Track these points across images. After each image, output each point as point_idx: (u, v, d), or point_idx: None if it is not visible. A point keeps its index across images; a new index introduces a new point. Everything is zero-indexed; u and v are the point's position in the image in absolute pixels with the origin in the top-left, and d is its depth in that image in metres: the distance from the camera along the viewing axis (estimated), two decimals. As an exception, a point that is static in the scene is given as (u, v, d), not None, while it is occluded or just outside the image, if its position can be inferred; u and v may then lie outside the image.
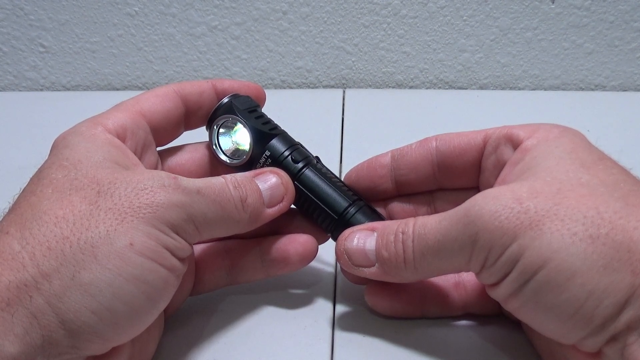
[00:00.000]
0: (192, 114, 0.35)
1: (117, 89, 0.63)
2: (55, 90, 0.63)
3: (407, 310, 0.33)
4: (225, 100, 0.34)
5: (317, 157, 0.35)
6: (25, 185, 0.29)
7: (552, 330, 0.27)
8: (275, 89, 0.62)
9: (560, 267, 0.25)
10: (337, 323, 0.34)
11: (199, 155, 0.35)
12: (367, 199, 0.35)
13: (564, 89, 0.61)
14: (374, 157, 0.35)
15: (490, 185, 0.31)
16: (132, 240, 0.26)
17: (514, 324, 0.33)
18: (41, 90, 0.63)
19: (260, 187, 0.31)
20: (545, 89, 0.61)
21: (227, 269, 0.34)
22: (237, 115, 0.34)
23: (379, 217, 0.34)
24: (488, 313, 0.33)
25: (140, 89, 0.63)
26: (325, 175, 0.34)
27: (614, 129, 0.53)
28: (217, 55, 0.61)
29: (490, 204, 0.26)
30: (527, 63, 0.60)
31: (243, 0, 0.58)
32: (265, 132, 0.34)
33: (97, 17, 0.60)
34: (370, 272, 0.31)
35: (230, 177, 0.30)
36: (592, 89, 0.61)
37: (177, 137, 0.35)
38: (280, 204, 0.32)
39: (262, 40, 0.60)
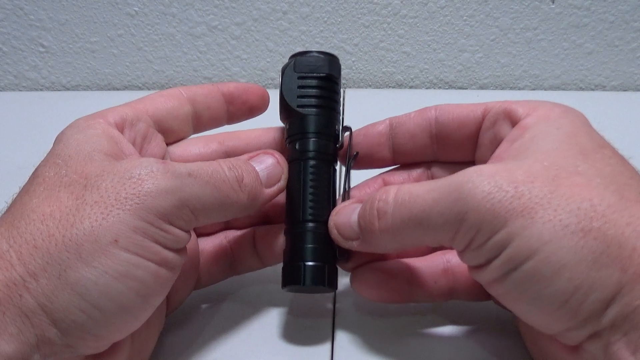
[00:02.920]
0: (201, 115, 0.34)
1: (117, 89, 0.63)
2: (55, 90, 0.63)
3: (394, 296, 0.33)
4: (293, 59, 0.33)
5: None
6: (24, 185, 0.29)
7: (534, 319, 0.26)
8: (276, 89, 0.62)
9: (549, 260, 0.24)
10: (337, 323, 0.34)
11: (209, 152, 0.35)
12: (364, 166, 0.34)
13: (564, 89, 0.61)
14: (370, 125, 0.35)
15: (486, 161, 0.30)
16: (117, 236, 0.25)
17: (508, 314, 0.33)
18: (41, 90, 0.63)
19: (256, 167, 0.31)
20: (545, 89, 0.61)
21: (229, 260, 0.35)
22: (281, 78, 0.32)
23: (330, 247, 0.31)
24: (476, 299, 0.33)
25: (140, 89, 0.63)
26: (312, 180, 0.31)
27: (614, 129, 0.53)
28: (217, 55, 0.61)
29: (485, 183, 0.26)
30: (527, 63, 0.60)
31: (243, 0, 0.58)
32: (290, 107, 0.32)
33: (97, 17, 0.59)
34: (358, 244, 0.30)
35: (223, 160, 0.30)
36: (592, 89, 0.61)
37: (184, 138, 0.35)
38: (279, 183, 0.32)
39: (262, 40, 0.60)
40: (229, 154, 0.35)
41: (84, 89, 0.63)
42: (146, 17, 0.59)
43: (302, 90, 0.32)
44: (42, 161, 0.29)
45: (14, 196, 0.28)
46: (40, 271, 0.24)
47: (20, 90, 0.63)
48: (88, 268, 0.25)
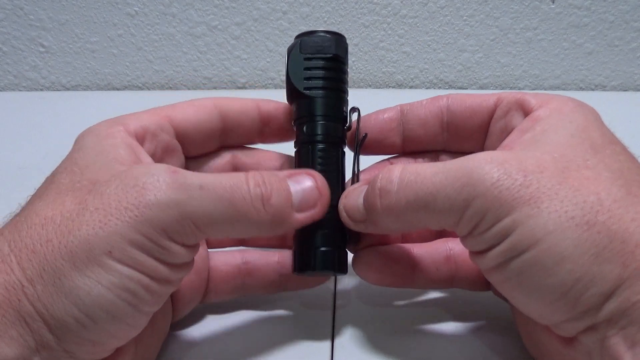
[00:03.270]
0: (230, 131, 0.33)
1: (117, 89, 0.63)
2: (55, 90, 0.63)
3: (395, 281, 0.33)
4: (298, 39, 0.32)
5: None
6: (27, 185, 0.28)
7: (530, 309, 0.26)
8: (275, 88, 0.62)
9: (552, 250, 0.24)
10: (337, 323, 0.34)
11: (223, 162, 0.34)
12: (374, 152, 0.34)
13: (564, 89, 0.61)
14: (380, 110, 0.34)
15: (494, 149, 0.30)
16: (112, 247, 0.24)
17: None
18: (41, 90, 0.63)
19: (291, 188, 0.28)
20: (545, 89, 0.61)
21: (243, 279, 0.34)
22: (287, 59, 0.31)
23: (340, 232, 0.31)
24: (476, 289, 0.33)
25: (140, 89, 0.63)
26: (321, 164, 0.31)
27: (614, 129, 0.53)
28: (217, 55, 0.61)
29: (495, 170, 0.25)
30: (527, 63, 0.60)
31: (243, 0, 0.58)
32: (297, 89, 0.31)
33: (97, 17, 0.60)
34: (365, 226, 0.30)
35: (253, 173, 0.27)
36: (592, 89, 0.61)
37: (208, 151, 0.34)
38: (313, 210, 0.29)
39: (262, 40, 0.60)
40: (237, 168, 0.34)
41: (84, 89, 0.63)
42: (146, 17, 0.59)
43: (309, 71, 0.31)
44: (58, 166, 0.28)
45: (28, 198, 0.28)
46: (36, 277, 0.24)
47: (20, 90, 0.63)
48: (82, 277, 0.24)
